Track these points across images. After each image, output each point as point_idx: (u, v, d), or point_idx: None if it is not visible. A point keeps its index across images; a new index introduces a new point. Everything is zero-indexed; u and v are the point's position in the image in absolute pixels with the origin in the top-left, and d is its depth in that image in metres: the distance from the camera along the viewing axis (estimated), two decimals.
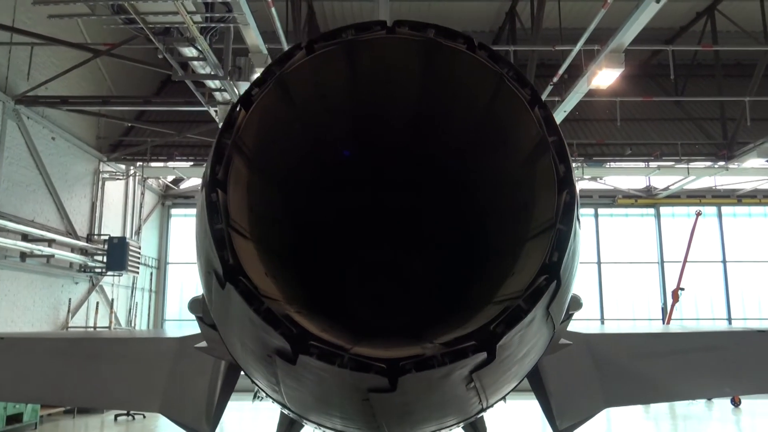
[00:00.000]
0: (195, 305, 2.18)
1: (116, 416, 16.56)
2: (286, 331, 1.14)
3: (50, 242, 16.79)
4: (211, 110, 15.11)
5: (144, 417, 16.47)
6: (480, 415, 1.93)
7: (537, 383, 4.63)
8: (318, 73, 1.25)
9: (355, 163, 1.46)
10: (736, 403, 18.66)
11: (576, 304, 2.26)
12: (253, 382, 1.94)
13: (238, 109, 1.20)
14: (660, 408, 18.94)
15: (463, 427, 7.00)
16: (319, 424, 1.87)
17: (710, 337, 7.05)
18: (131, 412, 16.45)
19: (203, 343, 3.39)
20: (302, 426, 7.28)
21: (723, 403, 19.16)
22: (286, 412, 2.17)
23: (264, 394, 2.24)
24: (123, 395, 4.89)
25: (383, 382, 1.16)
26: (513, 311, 1.16)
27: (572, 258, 1.27)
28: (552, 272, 1.17)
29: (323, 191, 1.46)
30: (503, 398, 2.09)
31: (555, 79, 15.07)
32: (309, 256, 1.45)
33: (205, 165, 1.32)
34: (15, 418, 14.04)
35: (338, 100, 1.32)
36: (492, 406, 1.96)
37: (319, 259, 1.48)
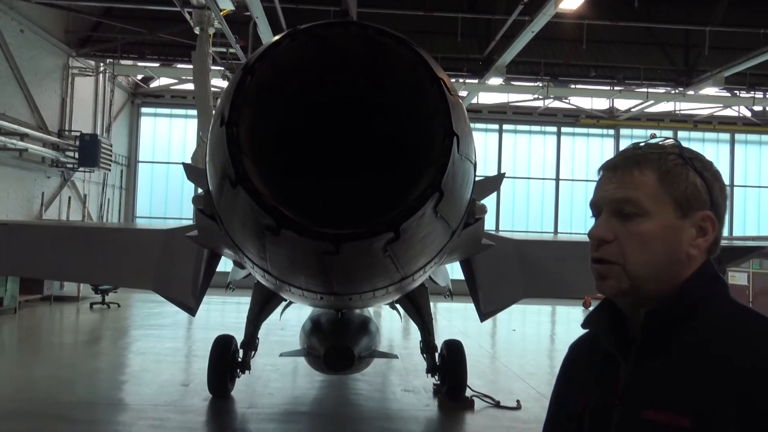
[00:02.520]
0: (198, 200, 2.91)
1: (92, 304, 17.48)
2: (274, 215, 1.91)
3: (22, 136, 17.03)
4: (185, 12, 15.14)
5: (119, 306, 17.44)
6: (402, 282, 2.76)
7: (470, 277, 5.63)
8: (299, 54, 1.94)
9: (322, 108, 2.20)
10: None
11: (480, 210, 3.09)
12: (245, 257, 2.73)
13: (246, 75, 1.93)
14: None
15: (412, 317, 8.05)
16: (291, 285, 2.68)
17: None
18: (106, 300, 17.39)
19: (194, 233, 4.18)
20: (272, 310, 8.26)
21: None
22: (265, 278, 2.97)
23: (241, 276, 3.00)
24: (120, 274, 5.73)
25: (331, 248, 1.95)
26: (408, 208, 1.95)
27: (453, 178, 2.03)
28: (434, 186, 1.94)
29: (300, 128, 2.20)
30: (421, 275, 2.93)
31: (525, 0, 15.42)
32: (290, 169, 2.20)
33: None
34: None
35: (312, 71, 2.03)
36: (410, 276, 2.80)
37: (296, 171, 2.23)
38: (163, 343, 12.56)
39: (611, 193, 1.43)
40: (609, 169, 1.47)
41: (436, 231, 2.26)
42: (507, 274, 5.72)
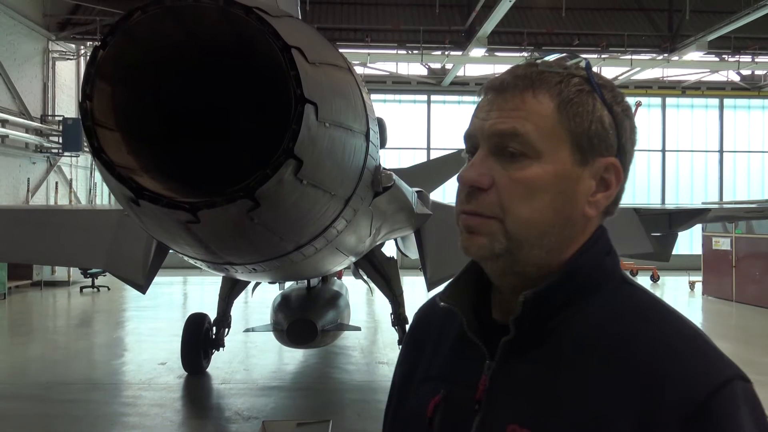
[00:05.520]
0: None
1: (82, 288, 17.60)
2: (130, 186, 1.95)
3: (3, 122, 17.00)
4: None
5: (108, 289, 17.55)
6: (304, 249, 2.82)
7: (420, 247, 5.71)
8: (152, 24, 1.97)
9: (182, 80, 2.24)
10: (654, 278, 20.60)
11: (387, 179, 3.14)
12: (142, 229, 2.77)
13: (98, 50, 1.96)
14: None
15: (382, 290, 8.12)
16: (183, 254, 2.74)
17: None
18: (96, 284, 17.50)
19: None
20: (243, 287, 8.33)
21: (643, 279, 21.11)
22: (175, 252, 3.03)
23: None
24: (74, 254, 5.83)
25: (190, 217, 2.00)
26: (262, 175, 1.99)
27: (313, 146, 2.07)
28: (287, 153, 1.98)
29: (161, 99, 2.23)
30: (324, 244, 2.97)
31: None
32: (153, 140, 2.24)
33: None
34: None
35: (167, 40, 2.06)
36: (308, 245, 2.85)
37: (159, 142, 2.27)
38: (148, 323, 12.70)
39: (493, 123, 1.08)
40: (493, 90, 1.11)
41: (310, 198, 2.30)
42: (455, 242, 5.76)
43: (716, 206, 10.33)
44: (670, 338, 1.02)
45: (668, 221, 6.96)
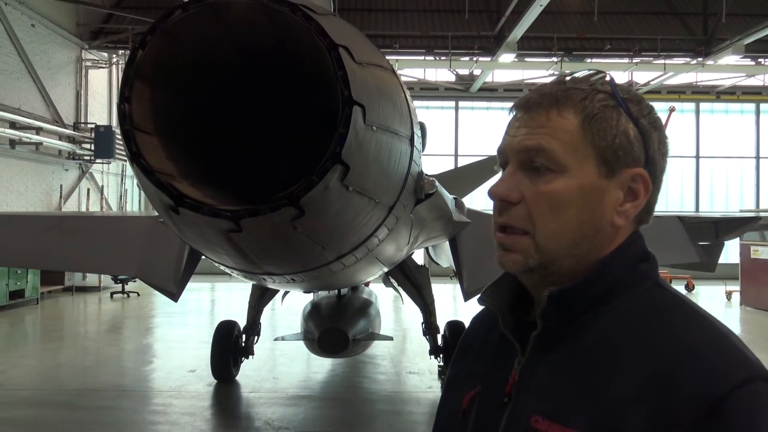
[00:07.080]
0: None
1: (112, 294, 17.76)
2: (170, 192, 1.85)
3: (38, 130, 17.26)
4: None
5: (138, 295, 17.68)
6: (344, 259, 2.70)
7: (455, 257, 5.56)
8: (193, 23, 1.88)
9: (222, 80, 2.14)
10: (689, 287, 20.09)
11: (430, 185, 3.01)
12: (179, 237, 2.68)
13: (137, 50, 1.87)
14: None
15: (413, 298, 7.99)
16: (226, 266, 2.65)
17: None
18: (126, 290, 17.65)
19: None
20: (273, 295, 8.25)
21: (677, 288, 20.58)
22: (211, 261, 2.93)
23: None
24: (106, 261, 5.81)
25: (231, 225, 1.89)
26: (308, 181, 1.87)
27: (360, 150, 1.95)
28: (335, 158, 1.87)
29: (202, 100, 2.13)
30: (365, 253, 2.85)
31: None
32: (197, 144, 2.14)
33: None
34: (17, 294, 15.14)
35: (209, 39, 1.96)
36: (349, 254, 2.73)
37: (202, 146, 2.18)
38: (177, 330, 12.73)
39: (520, 140, 1.14)
40: (521, 108, 1.18)
41: (355, 206, 2.18)
42: (491, 250, 5.60)
43: (753, 214, 9.97)
44: (692, 337, 1.03)
45: (715, 230, 6.69)
